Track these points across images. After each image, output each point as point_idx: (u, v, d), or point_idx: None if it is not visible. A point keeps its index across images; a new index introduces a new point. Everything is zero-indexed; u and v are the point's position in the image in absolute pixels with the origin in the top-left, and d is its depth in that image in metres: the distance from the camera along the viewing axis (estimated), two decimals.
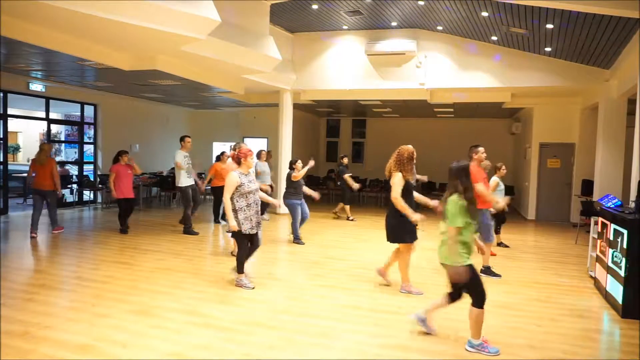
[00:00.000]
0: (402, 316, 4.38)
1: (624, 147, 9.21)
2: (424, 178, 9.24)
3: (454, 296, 3.79)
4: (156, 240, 7.81)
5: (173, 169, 9.27)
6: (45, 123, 11.38)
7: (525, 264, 6.94)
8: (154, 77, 9.19)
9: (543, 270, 6.50)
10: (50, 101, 11.21)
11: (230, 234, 6.38)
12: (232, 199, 5.06)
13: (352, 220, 10.68)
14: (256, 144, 12.92)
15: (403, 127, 16.17)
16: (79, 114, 12.11)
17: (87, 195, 12.34)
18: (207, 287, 5.21)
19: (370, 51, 10.60)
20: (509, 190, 12.60)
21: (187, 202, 8.35)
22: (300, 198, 7.89)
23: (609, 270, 5.01)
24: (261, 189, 5.66)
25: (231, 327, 4.06)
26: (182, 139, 8.43)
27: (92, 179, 12.43)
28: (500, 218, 7.62)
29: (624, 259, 4.55)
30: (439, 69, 10.38)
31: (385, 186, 5.18)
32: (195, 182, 8.69)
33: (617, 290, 4.70)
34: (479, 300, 3.56)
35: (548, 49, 9.06)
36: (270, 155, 11.65)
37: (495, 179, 7.31)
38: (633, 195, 5.69)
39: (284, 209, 9.80)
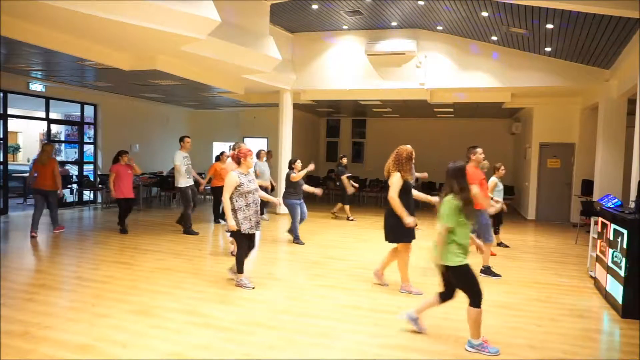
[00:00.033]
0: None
1: (624, 147, 9.21)
2: (425, 175, 9.24)
3: (445, 296, 3.81)
4: (156, 240, 7.81)
5: (173, 169, 9.28)
6: (45, 123, 11.38)
7: (525, 264, 6.94)
8: (154, 77, 9.19)
9: (543, 270, 6.50)
10: (50, 101, 11.21)
11: (229, 234, 6.39)
12: (231, 198, 5.06)
13: (352, 220, 10.68)
14: (256, 144, 12.92)
15: (403, 127, 16.18)
16: (79, 114, 12.11)
17: (87, 195, 12.34)
18: (207, 287, 5.21)
19: (370, 51, 10.60)
20: (508, 190, 12.63)
21: (187, 202, 8.36)
22: (300, 198, 7.89)
23: (609, 270, 5.01)
24: (260, 187, 5.66)
25: (231, 327, 4.06)
26: (181, 139, 8.43)
27: (92, 179, 12.43)
28: (498, 219, 7.61)
29: (624, 259, 4.55)
30: (439, 69, 10.38)
31: (385, 186, 5.18)
32: (196, 181, 8.70)
33: (617, 290, 4.70)
34: (476, 300, 3.56)
35: (548, 49, 9.06)
36: (270, 155, 11.66)
37: (494, 179, 7.32)
38: (633, 195, 5.69)
39: (283, 209, 9.81)
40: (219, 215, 9.44)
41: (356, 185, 11.27)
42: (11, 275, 5.52)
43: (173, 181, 8.78)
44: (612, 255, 4.91)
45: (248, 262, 5.42)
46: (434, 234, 3.72)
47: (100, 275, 5.61)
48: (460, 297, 3.71)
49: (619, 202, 5.61)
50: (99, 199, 12.39)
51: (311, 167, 7.90)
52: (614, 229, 4.89)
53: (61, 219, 9.07)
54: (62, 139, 14.95)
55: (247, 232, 5.12)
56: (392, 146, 5.37)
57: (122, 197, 8.26)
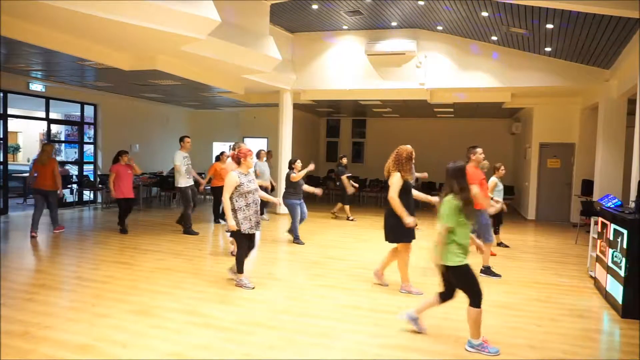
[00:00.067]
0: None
1: (624, 147, 9.21)
2: (425, 175, 9.23)
3: (445, 296, 3.81)
4: (156, 240, 7.81)
5: (173, 169, 9.28)
6: (45, 123, 11.38)
7: (525, 264, 6.94)
8: (154, 77, 9.19)
9: (543, 270, 6.50)
10: (50, 101, 11.21)
11: (229, 234, 6.39)
12: (231, 198, 5.06)
13: (352, 220, 10.68)
14: (256, 144, 12.92)
15: (403, 127, 16.17)
16: (79, 114, 12.11)
17: (87, 195, 12.34)
18: (207, 287, 5.21)
19: (370, 51, 10.60)
20: (509, 190, 12.63)
21: (187, 202, 8.36)
22: (300, 198, 7.89)
23: (609, 270, 5.01)
24: (260, 187, 5.66)
25: (231, 327, 4.06)
26: (181, 139, 8.43)
27: (92, 179, 12.43)
28: (497, 219, 7.60)
29: (624, 259, 4.55)
30: (439, 69, 10.38)
31: (385, 186, 5.18)
32: (196, 181, 8.70)
33: (617, 290, 4.70)
34: (475, 300, 3.56)
35: (548, 49, 9.06)
36: (270, 155, 11.66)
37: (494, 179, 7.32)
38: (633, 195, 5.69)
39: (284, 209, 9.81)
40: (219, 215, 9.44)
41: (356, 185, 11.27)
42: (11, 275, 5.52)
43: (173, 181, 8.78)
44: (612, 255, 4.91)
45: (248, 262, 5.42)
46: (434, 234, 3.72)
47: (100, 275, 5.61)
48: (461, 297, 3.71)
49: (619, 202, 5.61)
50: (99, 199, 12.39)
51: (311, 167, 7.90)
52: (614, 229, 4.89)
53: (61, 219, 9.07)
54: (62, 139, 14.95)
55: (247, 232, 5.12)
56: (392, 146, 5.38)
57: (122, 197, 8.26)
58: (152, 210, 11.76)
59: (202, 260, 6.60)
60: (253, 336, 3.88)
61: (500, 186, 7.55)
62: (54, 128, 13.06)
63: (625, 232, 4.56)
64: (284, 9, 9.43)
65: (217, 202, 9.53)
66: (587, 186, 10.23)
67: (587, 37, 7.65)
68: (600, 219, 5.55)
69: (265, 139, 14.44)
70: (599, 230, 5.57)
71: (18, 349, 3.52)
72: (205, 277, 5.66)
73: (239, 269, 5.24)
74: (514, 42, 9.38)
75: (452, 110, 13.58)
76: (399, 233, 5.02)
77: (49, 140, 11.38)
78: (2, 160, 10.23)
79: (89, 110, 12.31)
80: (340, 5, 9.05)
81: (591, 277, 5.97)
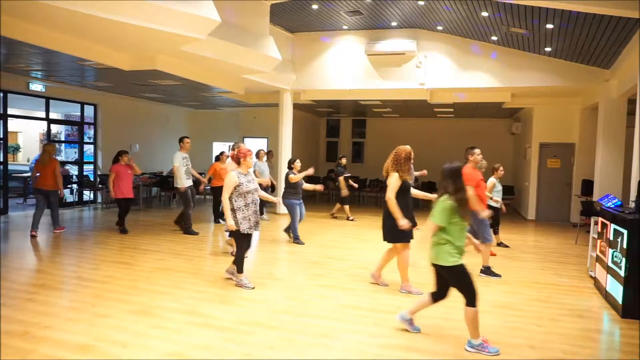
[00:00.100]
0: None
1: (624, 147, 9.21)
2: (424, 172, 9.22)
3: (437, 296, 3.82)
4: (156, 240, 7.81)
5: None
6: (45, 123, 11.38)
7: (525, 264, 6.94)
8: (154, 77, 9.19)
9: (543, 270, 6.50)
10: (50, 101, 11.21)
11: (227, 233, 6.39)
12: (230, 198, 5.07)
13: (352, 220, 10.68)
14: (256, 144, 12.93)
15: (403, 127, 16.17)
16: (79, 114, 12.11)
17: (87, 195, 12.34)
18: (207, 287, 5.21)
19: (370, 51, 10.60)
20: (509, 190, 12.64)
21: (187, 203, 8.36)
22: (299, 198, 7.89)
23: (609, 270, 5.01)
24: (260, 185, 5.66)
25: (231, 327, 4.06)
26: (181, 140, 8.43)
27: (92, 179, 12.43)
28: (495, 219, 7.57)
29: (624, 259, 4.55)
30: (439, 69, 10.38)
31: (385, 186, 5.18)
32: (195, 181, 8.69)
33: (617, 290, 4.70)
34: (471, 299, 3.57)
35: (548, 49, 9.06)
36: (271, 155, 11.67)
37: (492, 180, 7.33)
38: (633, 195, 5.69)
39: (284, 209, 9.81)
40: (219, 215, 9.44)
41: (355, 185, 11.28)
42: (11, 275, 5.52)
43: (173, 182, 8.77)
44: (612, 255, 4.91)
45: (248, 262, 5.42)
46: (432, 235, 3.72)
47: (100, 275, 5.61)
48: (461, 298, 3.71)
49: (619, 202, 5.62)
50: (99, 199, 12.39)
51: (310, 171, 7.87)
52: (614, 229, 4.89)
53: (61, 219, 9.07)
54: (62, 139, 14.95)
55: (246, 232, 5.12)
56: (392, 146, 5.37)
57: (122, 197, 8.27)
58: (152, 210, 11.76)
59: (202, 260, 6.60)
60: (253, 336, 3.88)
61: (499, 187, 7.55)
62: (54, 128, 13.06)
63: (625, 232, 4.56)
64: (284, 9, 9.43)
65: (217, 202, 9.52)
66: (587, 186, 10.23)
67: (587, 37, 7.65)
68: (600, 219, 5.55)
69: (265, 139, 14.44)
70: (599, 230, 5.57)
71: (18, 349, 3.52)
72: (205, 277, 5.66)
73: (239, 268, 5.24)
74: (514, 42, 9.38)
75: (452, 110, 13.58)
76: (397, 233, 5.01)
77: (49, 140, 11.38)
78: (2, 160, 10.23)
79: (89, 110, 12.31)
80: (340, 5, 9.05)
81: (591, 277, 5.97)
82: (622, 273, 4.57)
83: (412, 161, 5.10)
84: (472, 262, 3.68)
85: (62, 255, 6.83)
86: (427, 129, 15.87)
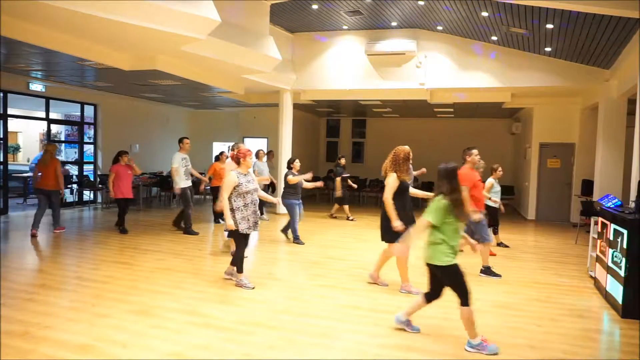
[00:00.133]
0: None
1: (624, 147, 9.21)
2: (423, 171, 9.22)
3: (430, 296, 3.83)
4: (156, 240, 7.81)
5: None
6: (45, 123, 11.38)
7: (525, 264, 6.94)
8: (154, 77, 9.19)
9: (543, 270, 6.50)
10: (50, 101, 11.21)
11: (226, 233, 6.40)
12: (229, 198, 5.07)
13: (351, 220, 10.69)
14: (256, 144, 12.92)
15: (403, 127, 16.17)
16: (79, 114, 12.11)
17: (87, 195, 12.34)
18: (207, 287, 5.21)
19: (370, 51, 10.60)
20: (508, 190, 12.65)
21: (187, 203, 8.36)
22: (299, 198, 7.89)
23: (609, 270, 5.01)
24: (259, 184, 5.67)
25: (231, 327, 4.06)
26: (180, 141, 8.43)
27: (92, 179, 12.43)
28: (493, 219, 7.57)
29: (624, 259, 4.55)
30: (439, 69, 10.38)
31: (384, 186, 5.18)
32: (195, 181, 8.69)
33: (617, 290, 4.70)
34: (464, 299, 3.58)
35: (548, 49, 9.06)
36: (272, 155, 11.67)
37: (490, 180, 7.33)
38: (633, 195, 5.69)
39: (283, 209, 9.80)
40: (219, 215, 9.43)
41: (355, 185, 11.28)
42: (11, 275, 5.52)
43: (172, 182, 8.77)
44: (612, 255, 4.91)
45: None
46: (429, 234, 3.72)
47: (100, 275, 5.61)
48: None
49: (619, 202, 5.62)
50: (99, 199, 12.39)
51: (308, 176, 7.81)
52: (614, 229, 4.89)
53: (61, 219, 9.07)
54: (62, 139, 14.95)
55: (244, 232, 5.12)
56: (392, 146, 5.38)
57: (122, 197, 8.28)
58: (152, 210, 11.76)
59: (202, 260, 6.60)
60: (253, 336, 3.88)
61: (498, 187, 7.54)
62: (54, 128, 13.06)
63: (625, 232, 4.56)
64: (284, 9, 9.43)
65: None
66: (587, 186, 10.23)
67: (587, 37, 7.65)
68: (600, 219, 5.55)
69: (265, 139, 14.44)
70: (599, 230, 5.57)
71: (18, 349, 3.52)
72: (205, 277, 5.66)
73: (239, 268, 5.24)
74: (514, 42, 9.38)
75: (452, 110, 13.58)
76: (394, 233, 5.00)
77: (49, 140, 11.38)
78: (2, 160, 10.23)
79: (89, 110, 12.31)
80: (340, 5, 9.05)
81: (591, 277, 5.97)
82: (622, 273, 4.57)
83: (410, 161, 5.10)
84: (470, 262, 3.68)
85: (62, 255, 6.83)
86: (427, 129, 15.87)
